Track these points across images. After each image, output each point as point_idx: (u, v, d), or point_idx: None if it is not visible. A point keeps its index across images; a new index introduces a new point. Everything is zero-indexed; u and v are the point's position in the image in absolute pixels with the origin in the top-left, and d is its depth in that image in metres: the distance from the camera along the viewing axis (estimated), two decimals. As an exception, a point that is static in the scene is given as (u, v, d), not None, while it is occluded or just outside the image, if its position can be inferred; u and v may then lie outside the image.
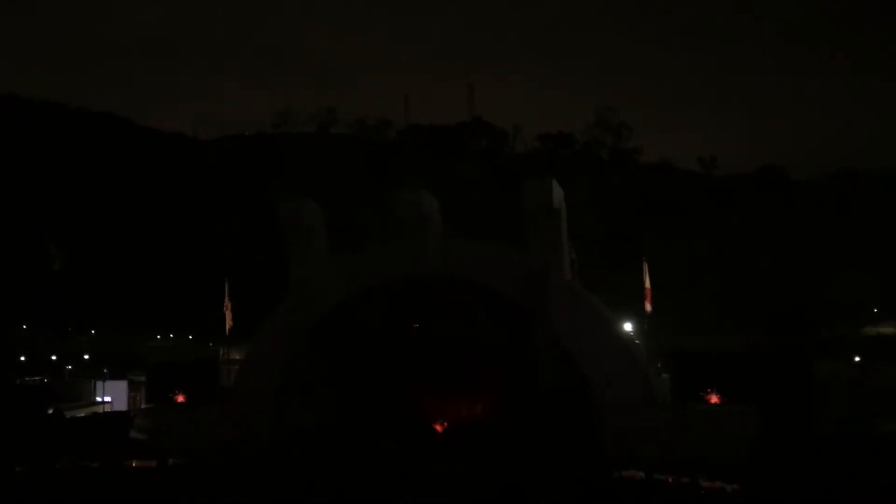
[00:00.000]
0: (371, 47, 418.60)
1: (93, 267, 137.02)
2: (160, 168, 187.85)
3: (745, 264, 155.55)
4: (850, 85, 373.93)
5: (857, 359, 66.60)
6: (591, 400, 31.09)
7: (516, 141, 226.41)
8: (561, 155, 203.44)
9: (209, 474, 27.20)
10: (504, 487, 24.08)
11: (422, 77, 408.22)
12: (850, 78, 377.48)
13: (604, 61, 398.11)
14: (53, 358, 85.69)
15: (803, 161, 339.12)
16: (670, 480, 23.92)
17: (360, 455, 29.05)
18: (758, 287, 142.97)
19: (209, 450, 29.83)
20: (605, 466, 25.97)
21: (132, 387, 51.94)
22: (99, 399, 52.66)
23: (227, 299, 36.64)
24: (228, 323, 36.45)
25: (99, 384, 55.15)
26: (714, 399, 30.55)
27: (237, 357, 40.28)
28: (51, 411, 43.83)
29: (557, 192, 33.10)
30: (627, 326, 42.40)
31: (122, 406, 48.75)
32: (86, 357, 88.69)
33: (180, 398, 36.01)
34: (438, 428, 33.51)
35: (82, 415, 45.74)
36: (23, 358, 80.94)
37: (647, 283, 32.48)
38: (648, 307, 32.53)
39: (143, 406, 41.33)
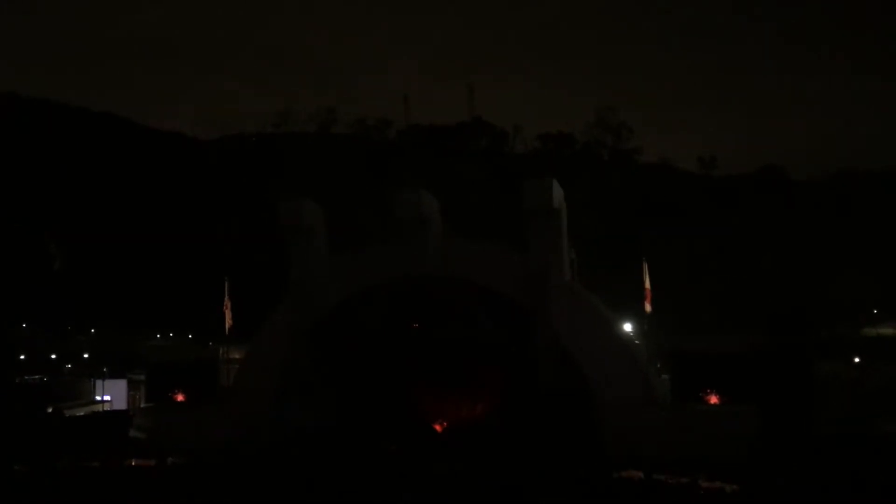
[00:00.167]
0: (371, 47, 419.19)
1: (93, 267, 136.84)
2: (160, 168, 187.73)
3: (745, 264, 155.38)
4: (850, 85, 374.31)
5: (857, 359, 66.53)
6: (591, 400, 31.10)
7: (516, 141, 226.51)
8: (561, 155, 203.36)
9: (209, 474, 27.20)
10: (504, 487, 24.09)
11: (422, 77, 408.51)
12: (850, 78, 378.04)
13: (604, 61, 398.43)
14: (53, 357, 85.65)
15: (803, 161, 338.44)
16: (670, 481, 23.92)
17: (360, 455, 29.06)
18: (758, 287, 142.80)
19: (209, 449, 29.87)
20: (605, 466, 26.00)
21: (132, 386, 52.09)
22: (98, 398, 52.68)
23: (226, 299, 36.69)
24: (228, 323, 36.48)
25: (98, 383, 55.16)
26: (714, 399, 30.55)
27: (237, 357, 40.25)
28: (50, 410, 43.83)
29: (557, 192, 33.10)
30: (627, 326, 42.39)
31: (121, 405, 48.88)
32: (85, 356, 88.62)
33: (180, 398, 36.07)
34: (438, 428, 33.50)
35: (82, 413, 45.70)
36: (22, 357, 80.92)
37: (647, 284, 32.49)
38: (648, 307, 32.53)
39: (142, 405, 41.35)
